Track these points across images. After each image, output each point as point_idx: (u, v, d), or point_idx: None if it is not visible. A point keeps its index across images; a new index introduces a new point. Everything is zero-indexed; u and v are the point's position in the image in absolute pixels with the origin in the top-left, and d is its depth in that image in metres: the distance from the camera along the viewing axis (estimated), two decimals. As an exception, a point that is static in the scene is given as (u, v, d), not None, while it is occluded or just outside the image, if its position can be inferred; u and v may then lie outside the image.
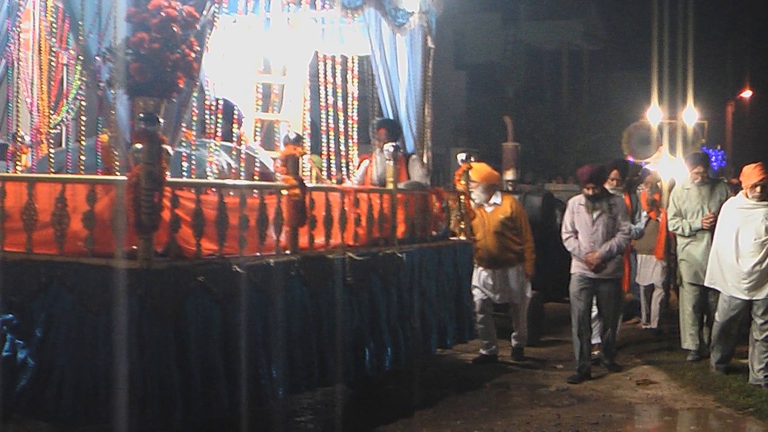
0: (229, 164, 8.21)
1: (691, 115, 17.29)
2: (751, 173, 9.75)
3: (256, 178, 8.25)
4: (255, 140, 9.76)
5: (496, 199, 11.07)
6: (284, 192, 7.65)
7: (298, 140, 7.91)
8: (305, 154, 8.67)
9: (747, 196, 9.76)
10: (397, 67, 9.99)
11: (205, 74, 8.79)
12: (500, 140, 21.84)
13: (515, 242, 11.00)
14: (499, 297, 11.02)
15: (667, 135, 16.85)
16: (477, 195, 10.87)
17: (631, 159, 16.28)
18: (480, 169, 11.05)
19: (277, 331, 7.34)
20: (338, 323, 8.06)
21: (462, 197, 10.34)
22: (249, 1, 9.36)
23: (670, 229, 11.24)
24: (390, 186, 9.11)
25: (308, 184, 8.11)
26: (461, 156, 10.65)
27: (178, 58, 6.64)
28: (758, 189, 9.63)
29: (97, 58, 6.93)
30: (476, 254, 10.76)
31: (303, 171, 8.47)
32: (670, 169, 13.77)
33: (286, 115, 10.48)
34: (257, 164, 8.43)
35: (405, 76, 10.08)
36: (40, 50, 8.81)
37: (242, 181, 7.90)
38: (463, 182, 10.44)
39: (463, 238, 10.37)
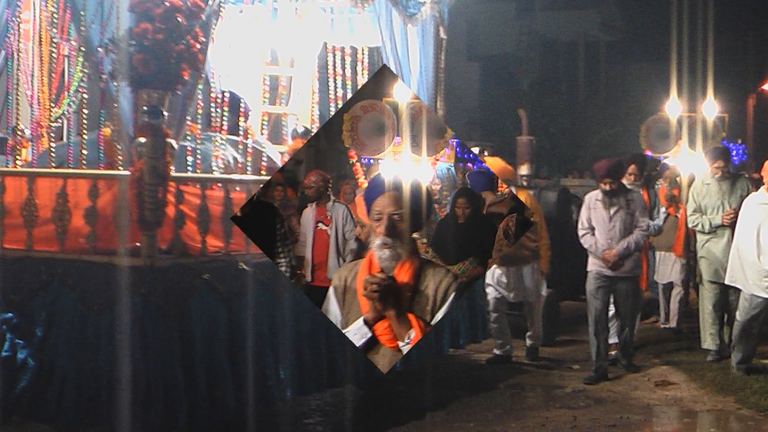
0: (235, 159, 8.20)
1: (711, 108, 17.21)
2: None
3: (263, 172, 8.23)
4: (262, 134, 9.74)
5: (511, 194, 10.99)
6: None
7: (307, 134, 7.91)
8: (314, 147, 8.69)
9: (769, 192, 9.67)
10: (408, 59, 9.94)
11: (211, 66, 8.78)
12: (514, 134, 21.76)
13: (530, 239, 10.92)
14: (513, 295, 10.96)
15: (687, 128, 16.75)
16: (491, 190, 10.82)
17: (649, 153, 16.18)
18: (494, 164, 11.02)
19: (284, 331, 7.33)
20: (348, 322, 8.03)
21: (476, 192, 10.31)
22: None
23: (690, 225, 11.17)
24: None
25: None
26: (475, 150, 10.62)
27: (182, 49, 6.63)
28: None
29: (99, 49, 6.95)
30: (490, 251, 10.73)
31: (311, 165, 8.47)
32: (690, 164, 13.68)
33: (294, 108, 10.48)
34: (264, 159, 8.41)
35: (417, 68, 10.04)
36: (40, 41, 8.82)
37: (249, 176, 7.89)
38: (477, 176, 10.41)
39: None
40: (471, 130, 34.04)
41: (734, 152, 22.61)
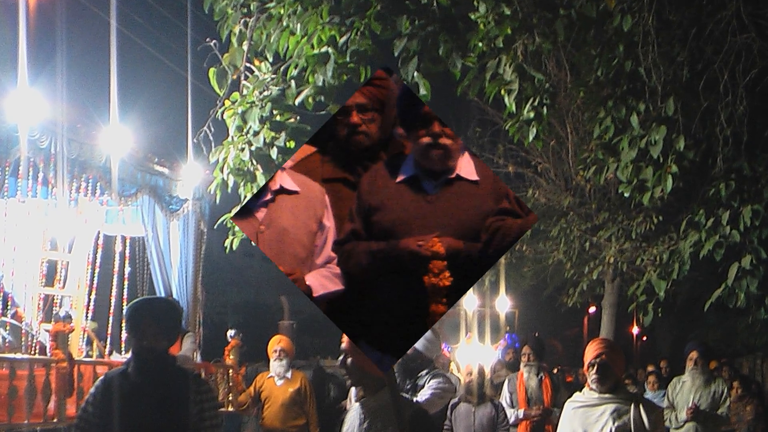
0: (4, 338, 8.39)
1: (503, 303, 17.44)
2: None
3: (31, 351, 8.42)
4: (39, 313, 9.82)
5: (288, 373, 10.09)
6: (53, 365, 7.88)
7: (68, 318, 8.18)
8: (73, 331, 8.80)
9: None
10: (170, 250, 10.34)
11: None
12: (276, 318, 22.29)
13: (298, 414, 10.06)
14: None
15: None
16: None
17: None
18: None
19: None
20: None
21: (230, 371, 10.60)
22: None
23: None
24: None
25: (77, 358, 8.32)
26: (230, 332, 10.94)
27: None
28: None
29: None
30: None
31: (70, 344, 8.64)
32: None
33: (69, 290, 10.50)
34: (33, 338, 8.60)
35: (177, 257, 10.43)
36: None
37: (11, 355, 8.07)
38: (231, 357, 10.73)
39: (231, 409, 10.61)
40: (231, 315, 33.86)
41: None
